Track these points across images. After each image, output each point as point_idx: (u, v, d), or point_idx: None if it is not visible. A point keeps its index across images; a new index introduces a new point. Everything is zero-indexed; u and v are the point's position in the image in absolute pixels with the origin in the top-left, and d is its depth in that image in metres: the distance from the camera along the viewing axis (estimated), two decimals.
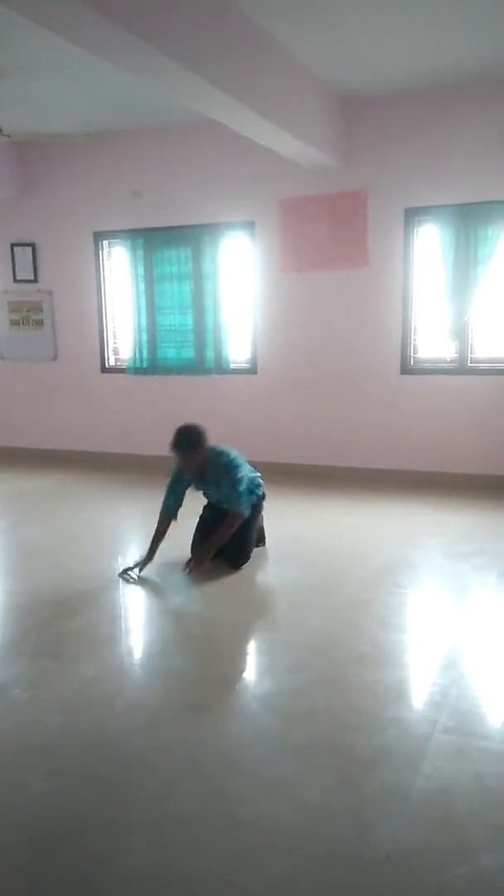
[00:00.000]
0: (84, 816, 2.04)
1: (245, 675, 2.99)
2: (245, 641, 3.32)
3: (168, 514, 3.98)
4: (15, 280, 7.10)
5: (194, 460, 3.91)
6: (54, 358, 7.10)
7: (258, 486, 4.19)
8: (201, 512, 4.23)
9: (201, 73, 3.69)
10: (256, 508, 4.15)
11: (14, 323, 7.18)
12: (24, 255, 7.02)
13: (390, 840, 1.91)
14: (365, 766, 2.24)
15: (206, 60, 3.73)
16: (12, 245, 7.04)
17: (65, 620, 3.36)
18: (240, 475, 3.97)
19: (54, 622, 3.35)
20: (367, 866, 1.83)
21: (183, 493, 4.02)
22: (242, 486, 3.98)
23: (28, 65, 4.69)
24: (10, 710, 2.63)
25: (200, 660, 3.04)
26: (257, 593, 3.86)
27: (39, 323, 7.08)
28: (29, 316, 7.12)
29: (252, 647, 3.27)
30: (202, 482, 4.06)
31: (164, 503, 3.99)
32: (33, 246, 6.99)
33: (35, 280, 7.04)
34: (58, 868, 1.85)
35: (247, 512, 3.98)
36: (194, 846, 1.91)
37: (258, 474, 4.24)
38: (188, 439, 3.88)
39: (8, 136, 4.97)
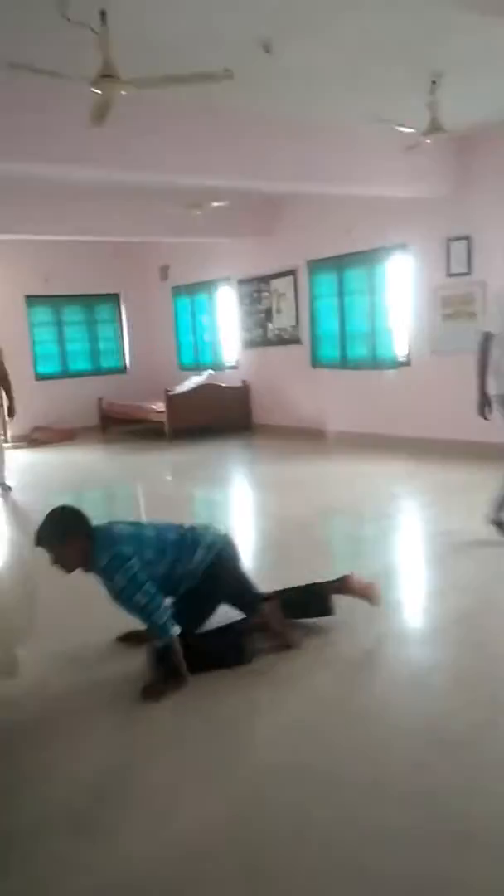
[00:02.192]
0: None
1: None
2: None
3: None
4: (449, 275, 7.21)
5: (65, 559, 2.89)
6: None
7: (189, 566, 3.00)
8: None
9: None
10: (213, 575, 3.03)
11: (447, 317, 7.30)
12: (458, 249, 7.07)
13: None
14: None
15: None
16: (448, 240, 7.15)
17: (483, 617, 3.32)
18: (124, 583, 2.79)
19: (472, 617, 3.33)
20: None
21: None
22: (142, 597, 2.78)
23: (468, 60, 4.69)
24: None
25: None
26: None
27: (472, 315, 7.05)
28: (461, 309, 7.15)
29: None
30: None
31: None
32: (468, 239, 6.99)
33: (469, 273, 7.03)
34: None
35: (170, 634, 2.80)
36: None
37: (192, 547, 3.03)
38: (45, 533, 2.87)
39: (446, 131, 5.05)
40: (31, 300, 10.59)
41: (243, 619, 3.13)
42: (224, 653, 2.96)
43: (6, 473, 6.94)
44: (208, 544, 3.08)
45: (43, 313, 10.83)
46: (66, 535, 2.87)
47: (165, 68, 3.87)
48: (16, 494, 6.73)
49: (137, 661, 2.99)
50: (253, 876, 1.86)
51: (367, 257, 8.06)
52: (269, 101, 5.35)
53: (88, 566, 2.90)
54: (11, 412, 7.11)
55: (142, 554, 2.88)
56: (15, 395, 7.06)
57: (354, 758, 2.34)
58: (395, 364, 7.95)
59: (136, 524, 3.14)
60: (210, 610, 3.09)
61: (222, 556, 3.10)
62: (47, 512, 2.94)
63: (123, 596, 2.83)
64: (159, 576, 2.91)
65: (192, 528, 3.16)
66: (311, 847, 1.94)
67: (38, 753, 2.50)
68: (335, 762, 2.32)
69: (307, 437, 8.82)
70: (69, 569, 2.92)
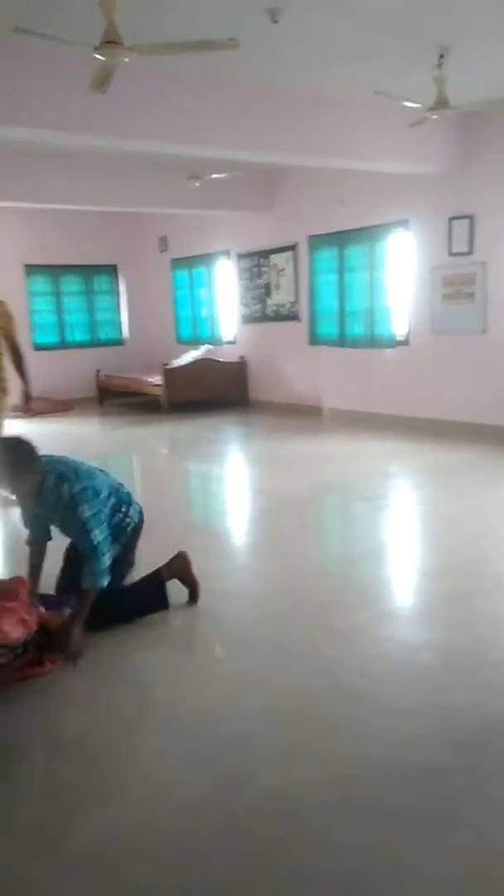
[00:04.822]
0: None
1: None
2: None
3: (34, 541, 3.16)
4: (450, 254, 7.17)
5: (25, 493, 2.92)
6: (483, 332, 6.99)
7: (125, 519, 3.11)
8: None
9: None
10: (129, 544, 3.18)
11: (446, 297, 7.27)
12: (461, 228, 7.02)
13: None
14: None
15: None
16: (450, 219, 7.10)
17: (476, 597, 3.36)
18: (90, 513, 2.84)
19: (466, 597, 3.37)
20: None
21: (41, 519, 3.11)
22: (99, 534, 2.85)
23: (477, 33, 4.62)
24: (421, 674, 2.76)
25: None
26: None
27: (471, 296, 7.03)
28: (461, 290, 7.13)
29: None
30: (44, 512, 3.02)
31: (29, 532, 3.18)
32: (471, 218, 6.94)
33: (470, 253, 6.99)
34: None
35: (101, 583, 2.85)
36: None
37: (127, 501, 3.15)
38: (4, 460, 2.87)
39: (455, 108, 4.98)
40: (30, 269, 10.50)
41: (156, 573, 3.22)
42: (150, 602, 3.12)
43: None
44: (136, 503, 3.23)
45: (41, 283, 10.74)
46: (20, 470, 2.84)
47: (169, 36, 3.81)
48: None
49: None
50: None
51: (368, 233, 7.99)
52: (273, 71, 5.27)
53: (38, 498, 2.91)
54: (27, 396, 5.65)
55: (100, 491, 2.95)
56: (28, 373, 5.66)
57: None
58: (394, 343, 7.92)
59: (89, 465, 3.13)
60: (128, 569, 3.22)
61: (142, 518, 3.26)
62: None
63: (85, 527, 2.83)
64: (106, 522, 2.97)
65: (122, 485, 3.25)
66: None
67: None
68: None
69: (303, 414, 8.82)
70: (29, 501, 2.96)
